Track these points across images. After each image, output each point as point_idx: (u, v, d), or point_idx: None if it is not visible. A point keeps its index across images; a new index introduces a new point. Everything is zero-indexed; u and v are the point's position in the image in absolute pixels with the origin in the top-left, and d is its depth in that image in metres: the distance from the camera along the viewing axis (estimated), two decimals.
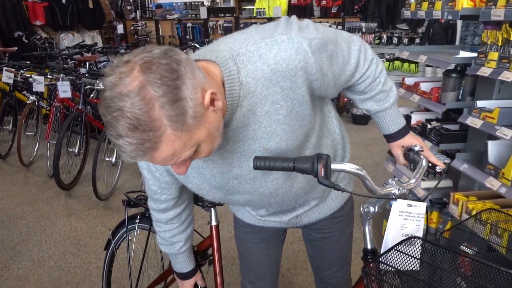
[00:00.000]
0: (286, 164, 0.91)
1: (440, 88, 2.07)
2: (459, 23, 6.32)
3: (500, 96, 1.85)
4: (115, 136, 0.73)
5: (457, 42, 6.43)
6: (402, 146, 1.23)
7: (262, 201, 1.12)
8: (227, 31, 6.90)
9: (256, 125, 0.93)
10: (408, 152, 1.21)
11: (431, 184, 2.28)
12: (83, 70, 4.03)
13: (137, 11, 7.91)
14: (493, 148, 1.76)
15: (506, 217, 1.04)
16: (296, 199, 1.15)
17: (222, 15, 7.12)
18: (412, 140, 1.22)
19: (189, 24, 7.21)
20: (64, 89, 3.61)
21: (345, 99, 6.50)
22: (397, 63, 7.35)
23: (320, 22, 6.28)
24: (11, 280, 2.42)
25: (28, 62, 4.46)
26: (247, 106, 0.90)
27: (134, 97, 0.70)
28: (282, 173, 1.03)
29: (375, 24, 7.08)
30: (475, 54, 1.86)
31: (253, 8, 7.36)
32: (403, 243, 0.89)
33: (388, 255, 0.91)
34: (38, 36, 6.43)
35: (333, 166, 0.90)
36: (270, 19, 6.42)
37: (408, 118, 2.35)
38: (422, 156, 1.17)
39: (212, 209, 1.42)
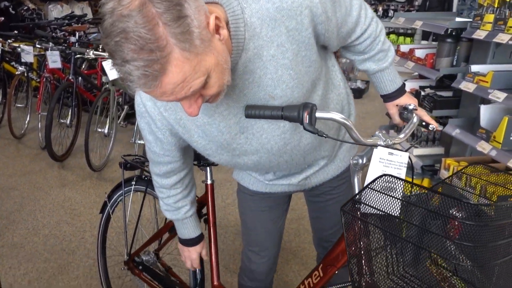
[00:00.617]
0: (274, 112, 0.93)
1: (434, 54, 2.07)
2: None
3: (494, 61, 1.85)
4: (120, 63, 0.69)
5: None
6: (397, 105, 1.24)
7: (271, 161, 1.11)
8: None
9: (262, 71, 0.91)
10: (403, 111, 1.22)
11: (423, 151, 2.31)
12: (73, 39, 3.95)
13: None
14: (485, 112, 1.78)
15: (486, 170, 1.06)
16: (304, 157, 1.15)
17: None
18: (408, 99, 1.24)
19: None
20: (54, 59, 3.54)
21: None
22: (392, 36, 7.30)
23: None
24: (6, 248, 2.44)
25: (16, 32, 4.35)
26: (252, 50, 0.89)
27: (136, 15, 0.67)
28: (289, 126, 1.03)
29: None
30: (471, 19, 1.86)
31: None
32: (377, 181, 0.91)
33: (363, 194, 0.93)
34: (26, 7, 6.25)
35: (318, 114, 0.92)
36: None
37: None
38: (414, 114, 1.18)
39: (208, 168, 1.43)
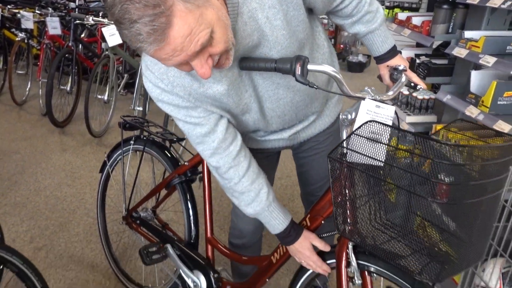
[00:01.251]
0: (268, 65, 0.96)
1: (431, 21, 2.08)
2: None
3: (488, 28, 1.87)
4: (129, 26, 0.72)
5: None
6: (388, 66, 1.27)
7: (264, 117, 1.15)
8: None
9: (259, 33, 0.95)
10: (393, 71, 1.25)
11: (416, 119, 2.35)
12: (72, 5, 3.93)
13: None
14: (475, 78, 1.81)
15: (466, 125, 1.10)
16: (296, 114, 1.19)
17: None
18: (399, 61, 1.27)
19: None
20: (54, 25, 3.54)
21: (341, 46, 6.45)
22: (397, 10, 7.21)
23: None
24: (9, 207, 2.52)
25: None
26: (247, 13, 0.92)
27: None
28: (283, 83, 1.07)
29: None
30: None
31: None
32: (363, 127, 0.95)
33: (350, 142, 0.98)
34: None
35: (310, 66, 0.95)
36: None
37: None
38: (403, 74, 1.22)
39: None
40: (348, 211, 1.03)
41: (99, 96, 3.43)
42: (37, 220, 2.40)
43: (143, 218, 1.74)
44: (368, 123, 0.94)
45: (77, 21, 3.38)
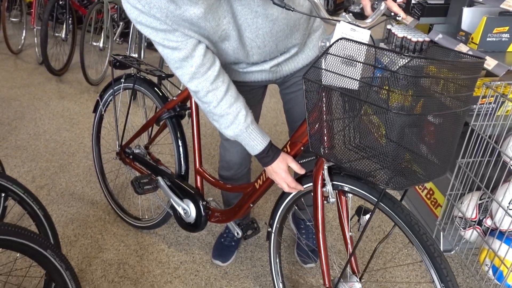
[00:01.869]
0: None
1: None
2: None
3: None
4: None
5: None
6: None
7: (244, 46, 1.16)
8: None
9: None
10: (374, 1, 1.25)
11: None
12: None
13: None
14: (467, 15, 1.80)
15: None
16: (276, 44, 1.21)
17: None
18: None
19: None
20: None
21: None
22: None
23: None
24: (10, 149, 2.60)
25: None
26: None
27: None
28: (261, 12, 1.09)
29: None
30: None
31: None
32: (335, 46, 0.97)
33: (324, 63, 1.00)
34: None
35: None
36: None
37: None
38: (383, 3, 1.22)
39: None
40: (324, 133, 1.08)
41: (94, 43, 3.41)
42: (38, 162, 2.48)
43: (136, 154, 1.81)
44: (341, 41, 0.96)
45: None
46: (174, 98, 1.60)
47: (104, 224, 2.02)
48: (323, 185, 1.19)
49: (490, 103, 1.64)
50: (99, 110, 1.97)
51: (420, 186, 2.04)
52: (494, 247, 1.43)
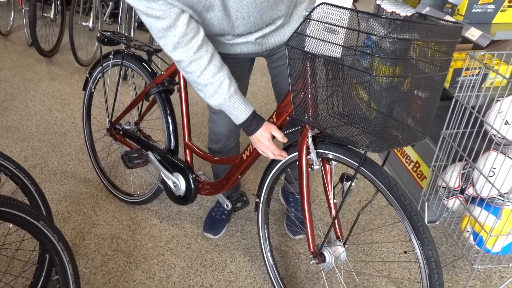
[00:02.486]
0: None
1: None
2: None
3: None
4: None
5: None
6: None
7: (229, 17, 1.17)
8: None
9: None
10: None
11: None
12: None
13: None
14: None
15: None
16: (261, 15, 1.21)
17: None
18: None
19: None
20: None
21: None
22: None
23: None
24: (1, 130, 2.60)
25: None
26: None
27: None
28: None
29: None
30: None
31: None
32: (316, 10, 0.98)
33: (308, 30, 1.02)
34: None
35: None
36: None
37: None
38: None
39: None
40: (308, 100, 1.10)
41: (84, 24, 3.38)
42: (29, 142, 2.49)
43: (126, 130, 1.83)
44: (322, 6, 0.97)
45: None
46: (162, 72, 1.61)
47: (97, 201, 2.04)
48: (308, 153, 1.21)
49: (473, 75, 1.66)
50: (88, 87, 1.98)
51: (407, 160, 2.08)
52: (475, 214, 1.48)
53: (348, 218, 1.96)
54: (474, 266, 1.49)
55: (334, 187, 1.28)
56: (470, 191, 1.56)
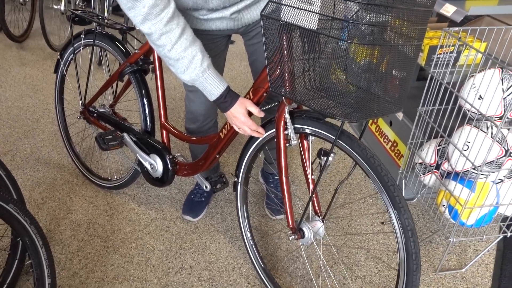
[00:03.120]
0: None
1: None
2: None
3: None
4: None
5: None
6: None
7: None
8: None
9: None
10: None
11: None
12: None
13: None
14: None
15: None
16: None
17: None
18: None
19: None
20: None
21: None
22: None
23: None
24: None
25: None
26: None
27: None
28: None
29: None
30: None
31: None
32: None
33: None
34: None
35: None
36: None
37: None
38: None
39: None
40: (284, 73, 1.08)
41: (55, 7, 3.26)
42: (0, 129, 2.40)
43: (101, 112, 1.78)
44: None
45: None
46: (136, 51, 1.57)
47: (72, 187, 1.99)
48: (285, 128, 1.20)
49: (447, 52, 1.68)
50: (60, 69, 1.91)
51: (384, 139, 2.10)
52: (450, 188, 1.50)
53: (327, 198, 1.97)
54: (449, 239, 1.52)
55: (312, 163, 1.28)
56: (445, 166, 1.59)
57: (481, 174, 1.43)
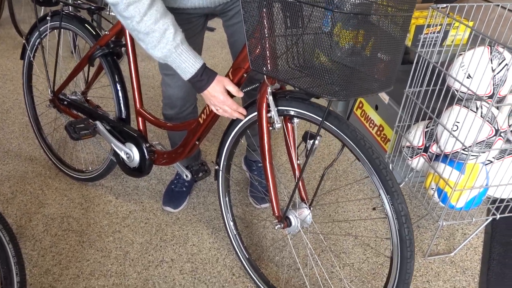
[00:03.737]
0: None
1: None
2: None
3: None
4: None
5: None
6: None
7: None
8: None
9: None
10: None
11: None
12: None
13: None
14: None
15: None
16: None
17: None
18: None
19: None
20: None
21: None
22: None
23: None
24: None
25: None
26: None
27: None
28: None
29: None
30: None
31: None
32: None
33: None
34: None
35: None
36: None
37: None
38: None
39: None
40: (265, 50, 1.00)
41: None
42: None
43: (72, 100, 1.67)
44: None
45: None
46: (106, 33, 1.46)
47: (45, 180, 1.88)
48: (268, 111, 1.13)
49: (434, 32, 1.63)
50: (27, 55, 1.78)
51: (370, 124, 2.05)
52: (439, 170, 1.46)
53: (313, 185, 1.91)
54: (438, 222, 1.48)
55: (297, 147, 1.21)
56: (433, 148, 1.54)
57: (471, 155, 1.39)
